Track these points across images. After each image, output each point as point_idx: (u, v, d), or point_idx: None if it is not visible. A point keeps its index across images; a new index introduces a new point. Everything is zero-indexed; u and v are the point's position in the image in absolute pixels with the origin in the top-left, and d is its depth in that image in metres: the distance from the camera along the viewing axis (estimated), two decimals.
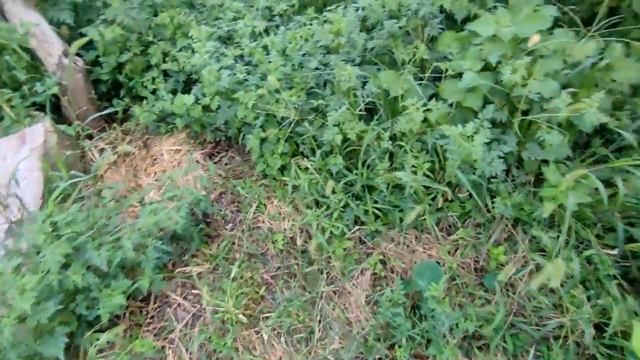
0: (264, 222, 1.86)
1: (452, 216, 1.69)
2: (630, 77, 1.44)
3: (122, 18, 2.10)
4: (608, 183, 1.44)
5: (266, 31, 2.13)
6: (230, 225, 1.90)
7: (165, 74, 2.24)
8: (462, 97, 1.55)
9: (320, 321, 1.58)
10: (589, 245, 1.51)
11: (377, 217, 1.73)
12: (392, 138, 1.63)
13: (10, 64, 2.07)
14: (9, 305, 1.23)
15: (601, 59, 1.45)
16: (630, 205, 1.45)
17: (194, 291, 1.70)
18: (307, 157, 1.80)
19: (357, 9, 1.85)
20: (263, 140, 1.83)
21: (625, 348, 1.30)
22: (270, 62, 1.78)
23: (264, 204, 1.90)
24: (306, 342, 1.55)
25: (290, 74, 1.82)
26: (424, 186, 1.62)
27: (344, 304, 1.61)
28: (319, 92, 1.83)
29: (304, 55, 1.88)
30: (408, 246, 1.70)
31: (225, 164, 2.11)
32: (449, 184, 1.65)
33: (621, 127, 1.47)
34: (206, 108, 1.98)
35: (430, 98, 1.59)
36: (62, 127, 2.07)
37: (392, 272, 1.67)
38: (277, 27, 2.14)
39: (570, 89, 1.41)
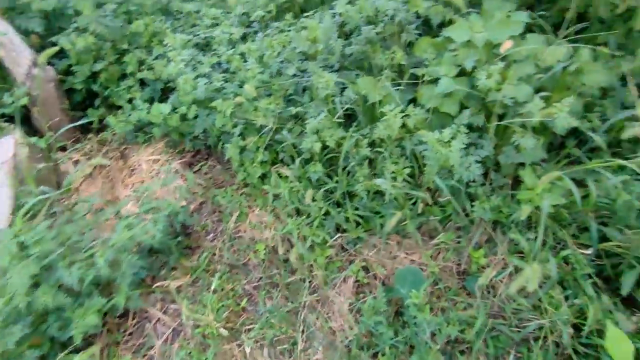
0: (245, 231, 1.83)
1: (433, 220, 1.70)
2: (599, 81, 1.48)
3: (94, 26, 2.05)
4: (582, 184, 1.47)
5: (244, 38, 2.11)
6: (211, 235, 1.87)
7: (142, 82, 2.19)
8: (439, 102, 1.56)
9: (303, 331, 1.56)
10: (565, 245, 1.53)
11: (358, 224, 1.72)
12: (371, 144, 1.63)
13: None
14: None
15: (571, 63, 1.48)
16: (603, 205, 1.49)
17: (173, 306, 1.66)
18: (288, 165, 1.78)
19: (334, 15, 1.85)
20: (242, 149, 1.81)
21: (601, 347, 1.33)
22: (248, 69, 1.77)
23: (246, 213, 1.87)
24: (289, 353, 1.53)
25: (269, 82, 1.80)
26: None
27: (327, 313, 1.60)
28: (298, 99, 1.81)
29: (282, 62, 1.87)
30: (390, 252, 1.69)
31: (205, 173, 2.08)
32: (429, 189, 1.66)
33: (593, 129, 1.50)
34: (184, 117, 1.95)
35: (409, 103, 1.60)
36: (33, 139, 2.01)
37: (375, 278, 1.67)
38: (255, 33, 2.12)
39: (543, 93, 1.44)
